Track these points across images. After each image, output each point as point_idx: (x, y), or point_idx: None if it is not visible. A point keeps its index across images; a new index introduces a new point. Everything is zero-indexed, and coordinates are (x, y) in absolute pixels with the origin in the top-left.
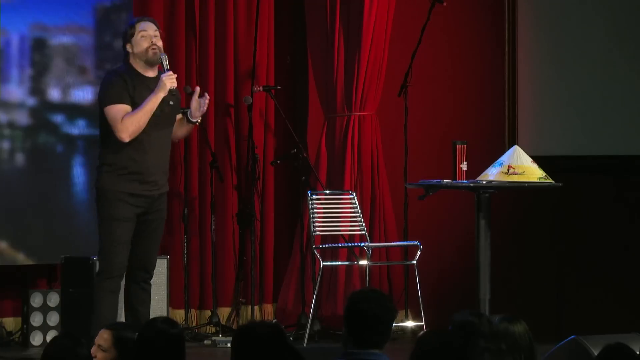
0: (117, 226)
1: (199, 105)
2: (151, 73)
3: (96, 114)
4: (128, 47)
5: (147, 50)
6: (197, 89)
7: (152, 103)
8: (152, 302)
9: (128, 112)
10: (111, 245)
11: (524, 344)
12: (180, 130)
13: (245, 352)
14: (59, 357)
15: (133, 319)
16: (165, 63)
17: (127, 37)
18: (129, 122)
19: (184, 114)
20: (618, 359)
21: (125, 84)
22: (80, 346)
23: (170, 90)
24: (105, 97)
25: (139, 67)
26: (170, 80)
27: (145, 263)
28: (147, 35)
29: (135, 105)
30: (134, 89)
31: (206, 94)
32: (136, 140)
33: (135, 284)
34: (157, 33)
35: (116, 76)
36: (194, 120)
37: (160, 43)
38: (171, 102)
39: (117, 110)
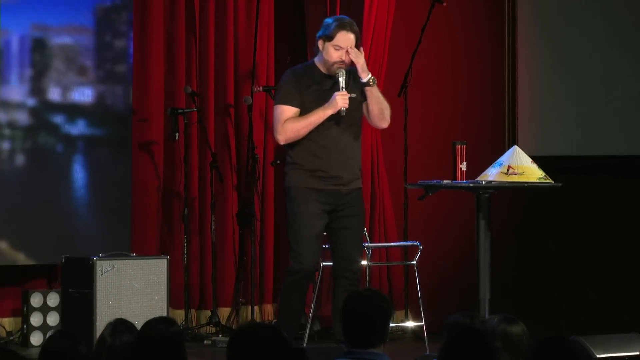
0: (302, 223)
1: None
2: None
3: (96, 114)
4: (320, 44)
5: (333, 63)
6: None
7: (318, 117)
8: (152, 302)
9: (291, 116)
10: (298, 243)
11: (521, 345)
12: (370, 105)
13: (245, 355)
14: (59, 355)
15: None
16: (342, 81)
17: (325, 35)
18: (289, 128)
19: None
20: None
21: (298, 85)
22: (79, 344)
23: (339, 110)
24: (277, 95)
25: (322, 66)
26: (343, 101)
27: (348, 263)
28: (340, 50)
29: (303, 105)
30: (309, 88)
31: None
32: (319, 136)
33: (341, 287)
34: (353, 43)
35: (293, 75)
36: (365, 81)
37: (348, 58)
38: (342, 113)
39: (282, 112)
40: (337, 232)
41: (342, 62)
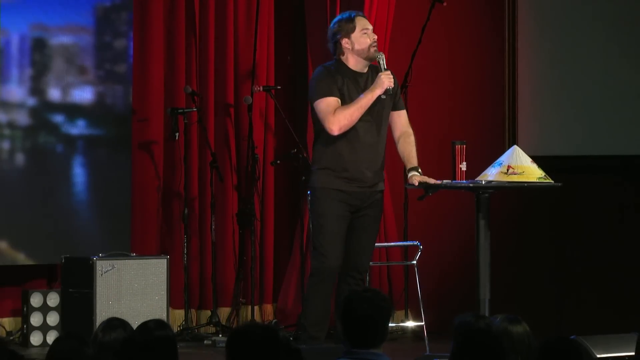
0: (326, 223)
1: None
2: (362, 69)
3: (96, 114)
4: (345, 42)
5: (369, 47)
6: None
7: (367, 99)
8: (152, 302)
9: (338, 105)
10: (321, 243)
11: (523, 345)
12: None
13: (240, 355)
14: (65, 357)
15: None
16: (383, 62)
17: (344, 31)
18: (341, 115)
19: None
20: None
21: (333, 78)
22: (86, 345)
23: (386, 90)
24: (314, 92)
25: (351, 63)
26: (388, 79)
27: (356, 262)
28: (369, 32)
29: (344, 99)
30: (344, 84)
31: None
32: (345, 137)
33: (347, 285)
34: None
35: (325, 71)
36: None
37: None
38: (383, 96)
39: (328, 104)
40: (352, 231)
41: (376, 42)
